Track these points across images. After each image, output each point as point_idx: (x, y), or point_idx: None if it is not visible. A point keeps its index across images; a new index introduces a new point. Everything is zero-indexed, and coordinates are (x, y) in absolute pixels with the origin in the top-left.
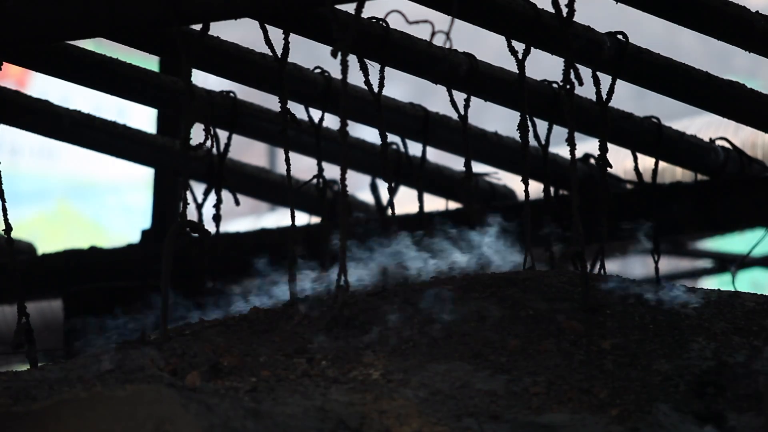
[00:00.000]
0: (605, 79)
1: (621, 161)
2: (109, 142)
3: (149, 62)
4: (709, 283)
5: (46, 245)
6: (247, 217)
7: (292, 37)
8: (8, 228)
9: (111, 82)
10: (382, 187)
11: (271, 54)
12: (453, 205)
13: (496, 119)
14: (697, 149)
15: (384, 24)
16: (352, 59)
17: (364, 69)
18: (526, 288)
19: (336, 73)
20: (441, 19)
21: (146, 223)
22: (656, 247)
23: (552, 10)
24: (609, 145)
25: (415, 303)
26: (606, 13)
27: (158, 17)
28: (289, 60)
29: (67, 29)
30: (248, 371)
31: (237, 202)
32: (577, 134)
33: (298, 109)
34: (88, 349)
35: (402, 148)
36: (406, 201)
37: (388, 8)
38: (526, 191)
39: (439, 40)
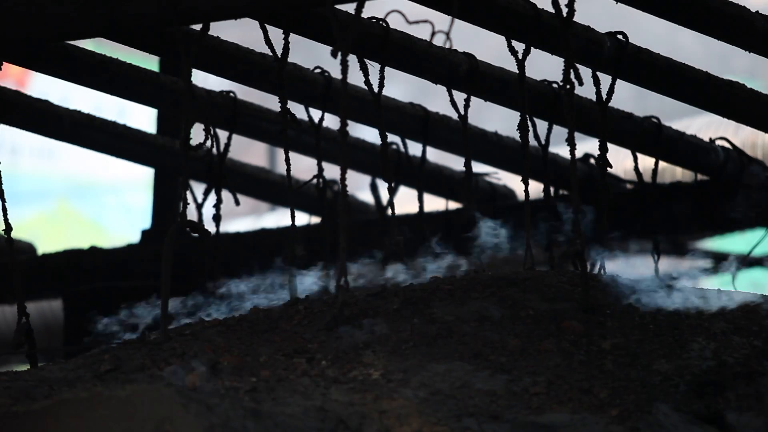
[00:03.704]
0: (605, 79)
1: (621, 161)
2: (109, 142)
3: (149, 62)
4: (709, 283)
5: (46, 245)
6: (247, 217)
7: (292, 37)
8: (8, 228)
9: (111, 82)
10: (382, 187)
11: (271, 54)
12: (453, 205)
13: (496, 119)
14: (697, 149)
15: (384, 24)
16: (352, 59)
17: (364, 69)
18: (526, 288)
19: (336, 73)
20: (441, 19)
21: (146, 223)
22: (656, 247)
23: (552, 10)
24: (609, 145)
25: (415, 303)
26: (606, 13)
27: (158, 17)
28: (289, 60)
29: (67, 29)
30: (248, 371)
31: (237, 202)
32: (577, 134)
33: (298, 109)
34: (88, 349)
35: (402, 148)
36: (406, 201)
37: (388, 8)
38: (526, 191)
39: (439, 40)
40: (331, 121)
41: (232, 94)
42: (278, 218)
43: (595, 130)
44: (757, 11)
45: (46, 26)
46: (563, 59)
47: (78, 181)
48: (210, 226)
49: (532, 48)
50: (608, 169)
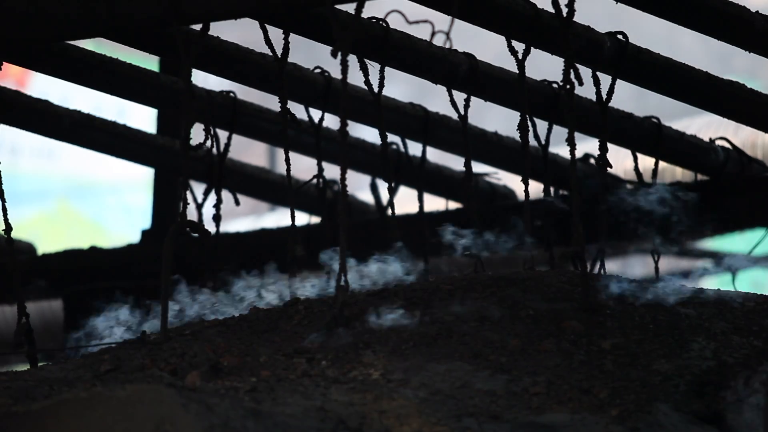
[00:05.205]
0: (605, 79)
1: (621, 161)
2: (109, 142)
3: (149, 62)
4: (709, 283)
5: (46, 245)
6: (247, 217)
7: (292, 37)
8: (8, 228)
9: (111, 82)
10: (382, 187)
11: (271, 54)
12: (453, 205)
13: (496, 119)
14: (697, 149)
15: (384, 24)
16: (352, 59)
17: (364, 69)
18: (526, 288)
19: (336, 73)
20: (441, 19)
21: (146, 223)
22: (656, 247)
23: (552, 10)
24: (609, 145)
25: (415, 303)
26: (606, 13)
27: (158, 17)
28: (289, 60)
29: (67, 29)
30: (248, 371)
31: (237, 202)
32: (577, 134)
33: (298, 109)
34: (88, 349)
35: (402, 148)
36: (406, 201)
37: (388, 8)
38: (526, 191)
39: (439, 40)
40: (331, 121)
41: (232, 94)
42: (278, 218)
43: (595, 130)
44: (757, 11)
45: (46, 26)
46: (563, 59)
47: (78, 181)
48: (210, 226)
49: (532, 48)
50: (608, 169)
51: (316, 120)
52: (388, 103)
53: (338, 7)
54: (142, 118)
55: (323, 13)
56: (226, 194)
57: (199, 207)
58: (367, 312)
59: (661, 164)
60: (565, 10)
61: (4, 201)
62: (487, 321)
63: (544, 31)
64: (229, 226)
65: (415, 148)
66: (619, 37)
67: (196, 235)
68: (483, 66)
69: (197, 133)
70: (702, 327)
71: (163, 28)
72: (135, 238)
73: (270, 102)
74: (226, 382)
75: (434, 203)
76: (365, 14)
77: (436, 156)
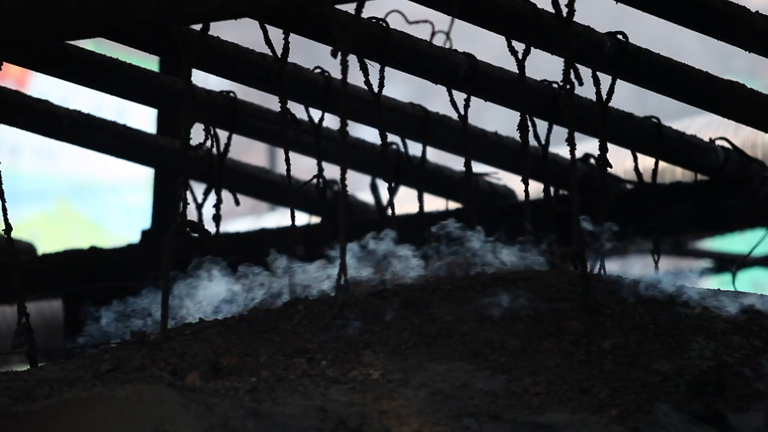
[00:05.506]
0: (605, 79)
1: (621, 161)
2: (109, 142)
3: (149, 62)
4: (709, 283)
5: (46, 245)
6: (247, 217)
7: (292, 37)
8: (8, 228)
9: (111, 82)
10: (382, 187)
11: (271, 54)
12: (453, 205)
13: (496, 119)
14: (697, 149)
15: (384, 24)
16: (352, 59)
17: (364, 69)
18: (526, 288)
19: (336, 73)
20: (441, 19)
21: (146, 223)
22: (656, 247)
23: (552, 10)
24: (609, 145)
25: (415, 303)
26: (606, 13)
27: (158, 17)
28: (289, 60)
29: (67, 29)
30: (248, 371)
31: (237, 202)
32: (577, 134)
33: (298, 109)
34: (88, 349)
35: (402, 148)
36: (406, 201)
37: (388, 8)
38: (526, 191)
39: (439, 40)
40: (331, 121)
41: (232, 94)
42: (278, 218)
43: (595, 130)
44: (757, 11)
45: (46, 26)
46: (563, 59)
47: (78, 181)
48: (210, 226)
49: (532, 48)
50: (608, 169)
51: (316, 120)
52: (388, 103)
53: (338, 7)
54: (142, 118)
55: (323, 13)
56: (226, 194)
57: (199, 207)
58: (367, 312)
59: (661, 164)
60: (565, 10)
61: (4, 201)
62: (487, 321)
63: (544, 31)
64: (229, 226)
65: (415, 148)
66: (619, 37)
67: (196, 235)
68: (483, 66)
69: (197, 133)
70: (702, 327)
71: (163, 28)
72: (135, 238)
73: (270, 102)
74: (226, 382)
75: (434, 203)
76: (365, 14)
77: (436, 156)
